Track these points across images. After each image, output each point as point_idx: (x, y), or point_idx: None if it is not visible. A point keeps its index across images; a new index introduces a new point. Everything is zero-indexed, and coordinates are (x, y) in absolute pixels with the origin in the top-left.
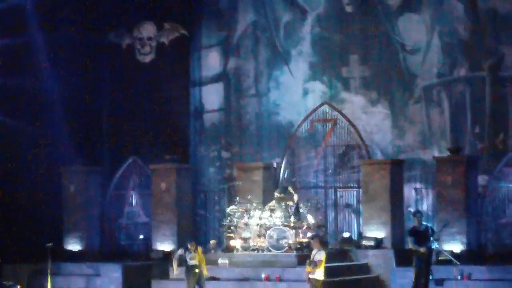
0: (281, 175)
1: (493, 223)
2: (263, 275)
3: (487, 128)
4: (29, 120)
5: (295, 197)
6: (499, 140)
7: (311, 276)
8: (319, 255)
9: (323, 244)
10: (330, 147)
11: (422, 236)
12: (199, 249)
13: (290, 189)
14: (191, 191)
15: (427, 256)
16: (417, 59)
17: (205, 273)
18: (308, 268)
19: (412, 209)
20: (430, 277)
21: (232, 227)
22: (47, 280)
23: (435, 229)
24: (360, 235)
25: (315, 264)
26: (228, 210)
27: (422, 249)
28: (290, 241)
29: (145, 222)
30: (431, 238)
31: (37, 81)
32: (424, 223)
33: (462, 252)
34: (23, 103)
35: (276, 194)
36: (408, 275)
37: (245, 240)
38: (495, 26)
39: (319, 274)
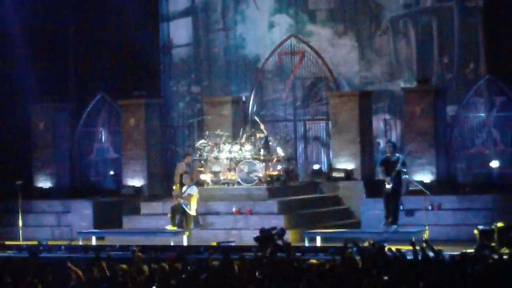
0: (250, 108)
1: (463, 153)
2: (234, 209)
3: (456, 58)
4: None
5: (263, 127)
6: (469, 69)
7: (186, 209)
8: (190, 190)
9: (194, 179)
10: (298, 80)
11: (391, 165)
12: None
13: (258, 120)
14: (160, 126)
15: (393, 187)
16: None
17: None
18: (174, 201)
19: (379, 140)
20: (401, 207)
21: (202, 161)
22: (18, 218)
23: (405, 159)
24: (330, 167)
25: (189, 197)
26: (197, 144)
27: (387, 179)
28: (260, 174)
29: (115, 158)
30: (401, 168)
31: None
32: (397, 154)
33: (432, 182)
34: None
35: (247, 130)
36: (378, 206)
37: (215, 174)
38: None
39: (192, 209)
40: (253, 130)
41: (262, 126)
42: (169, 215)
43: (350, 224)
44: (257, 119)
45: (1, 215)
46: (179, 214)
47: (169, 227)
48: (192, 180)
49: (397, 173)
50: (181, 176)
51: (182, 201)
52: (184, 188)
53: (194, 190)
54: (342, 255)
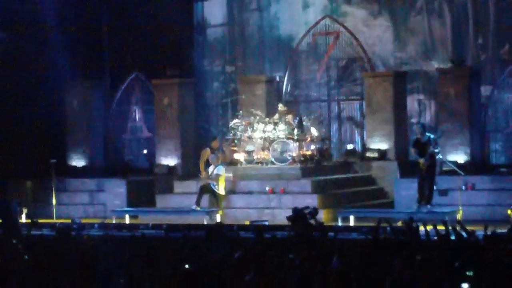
0: (283, 88)
1: (497, 133)
2: (267, 188)
3: (490, 39)
4: (29, 36)
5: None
6: (504, 50)
7: (215, 189)
8: (218, 170)
9: (220, 159)
10: (332, 60)
11: (423, 147)
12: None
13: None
14: (194, 105)
15: (427, 167)
16: None
17: None
18: (202, 181)
19: (413, 121)
20: (435, 187)
21: (235, 141)
22: (52, 196)
23: (437, 138)
24: (364, 147)
25: (217, 178)
26: (231, 124)
27: (421, 160)
28: (294, 154)
29: (148, 137)
30: (433, 149)
31: None
32: (427, 134)
33: (465, 162)
34: (22, 20)
35: (280, 107)
36: (412, 186)
37: (249, 153)
38: None
39: (220, 189)
40: (286, 109)
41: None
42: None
43: (383, 204)
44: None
45: (35, 193)
46: (209, 194)
47: (194, 207)
48: (219, 160)
49: (431, 154)
50: (206, 162)
51: (210, 181)
52: (210, 169)
53: (221, 170)
54: (374, 234)
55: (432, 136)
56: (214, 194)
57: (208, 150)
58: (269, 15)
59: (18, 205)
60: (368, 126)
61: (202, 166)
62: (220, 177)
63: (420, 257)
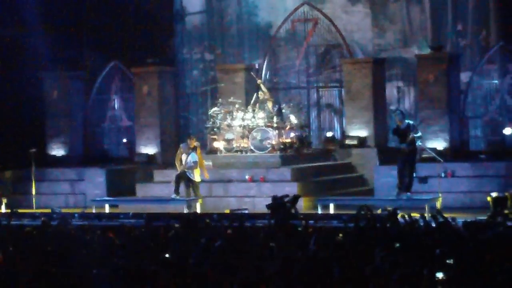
0: (262, 76)
1: (476, 120)
2: (247, 176)
3: (469, 25)
4: (6, 25)
5: (264, 90)
6: (482, 37)
7: (190, 177)
8: (193, 157)
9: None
10: (311, 47)
11: (403, 134)
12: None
13: (261, 85)
14: (174, 94)
15: (408, 154)
16: None
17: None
18: (178, 167)
19: (393, 107)
20: (414, 175)
21: (215, 129)
22: (32, 186)
23: (416, 125)
24: (343, 135)
25: (196, 165)
26: (210, 112)
27: (403, 146)
28: (273, 142)
29: (128, 126)
30: (413, 135)
31: None
32: (406, 121)
33: (445, 149)
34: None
35: (259, 95)
36: (391, 173)
37: (228, 141)
38: None
39: (196, 176)
40: (262, 94)
41: (263, 88)
42: (173, 183)
43: (363, 192)
44: (261, 84)
45: (15, 183)
46: (184, 183)
47: (173, 196)
48: (190, 148)
49: (411, 140)
50: (181, 160)
51: (187, 170)
52: (183, 157)
53: (196, 157)
54: (355, 222)
55: (411, 122)
56: (191, 182)
57: (182, 148)
58: (248, 2)
59: None
60: (347, 113)
61: (178, 163)
62: (197, 163)
63: (399, 245)
